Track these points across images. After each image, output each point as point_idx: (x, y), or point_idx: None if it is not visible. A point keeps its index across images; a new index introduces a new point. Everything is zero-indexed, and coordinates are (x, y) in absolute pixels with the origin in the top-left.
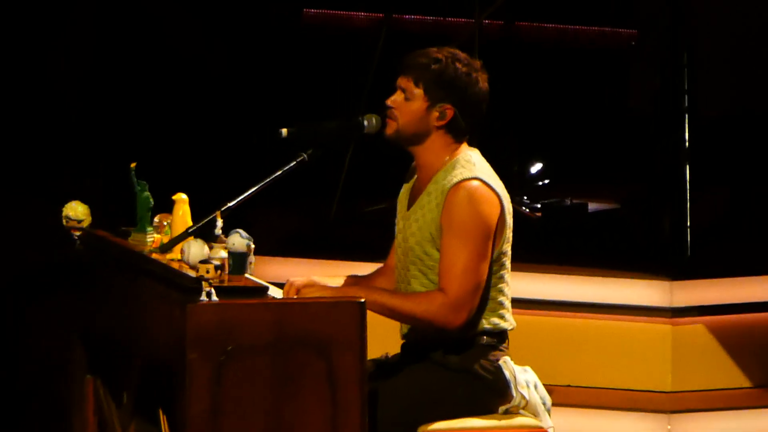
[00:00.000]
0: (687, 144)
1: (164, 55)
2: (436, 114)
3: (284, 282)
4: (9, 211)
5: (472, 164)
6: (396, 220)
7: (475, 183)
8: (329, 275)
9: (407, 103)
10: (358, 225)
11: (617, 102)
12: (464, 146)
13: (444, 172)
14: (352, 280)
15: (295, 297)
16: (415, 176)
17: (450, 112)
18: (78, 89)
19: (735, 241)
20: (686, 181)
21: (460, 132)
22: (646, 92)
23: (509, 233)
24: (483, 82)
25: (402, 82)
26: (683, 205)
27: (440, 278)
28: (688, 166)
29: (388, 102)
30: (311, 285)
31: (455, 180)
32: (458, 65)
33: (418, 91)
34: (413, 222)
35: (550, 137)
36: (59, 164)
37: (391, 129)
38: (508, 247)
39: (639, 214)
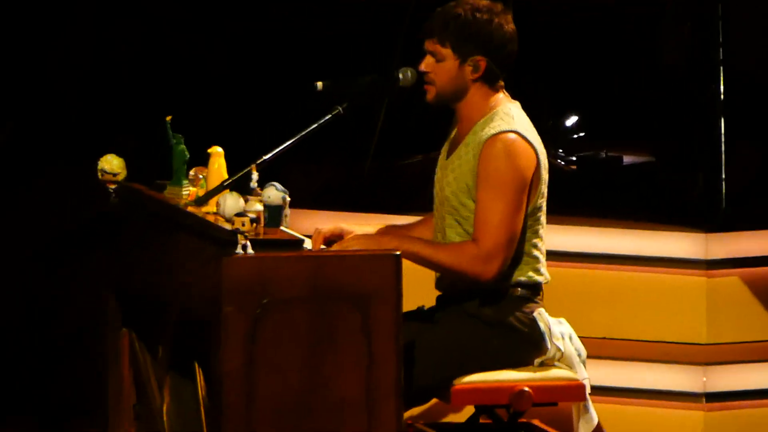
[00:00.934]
0: (722, 97)
1: (201, 8)
2: (469, 68)
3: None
4: (45, 166)
5: (511, 117)
6: (436, 170)
7: (512, 136)
8: (358, 225)
9: (439, 65)
10: (392, 178)
11: (651, 55)
12: (505, 98)
13: (483, 123)
14: (386, 231)
15: (330, 248)
16: (457, 126)
17: (483, 63)
18: (115, 43)
19: None
20: (721, 134)
21: (496, 79)
22: (679, 45)
23: (545, 188)
24: (508, 24)
25: (429, 45)
26: (718, 158)
27: (474, 229)
28: (723, 120)
29: (421, 67)
30: (338, 232)
31: (492, 132)
32: (478, 15)
33: (447, 51)
34: (450, 172)
35: (585, 91)
36: (95, 118)
37: (431, 95)
38: (543, 202)
39: (674, 166)
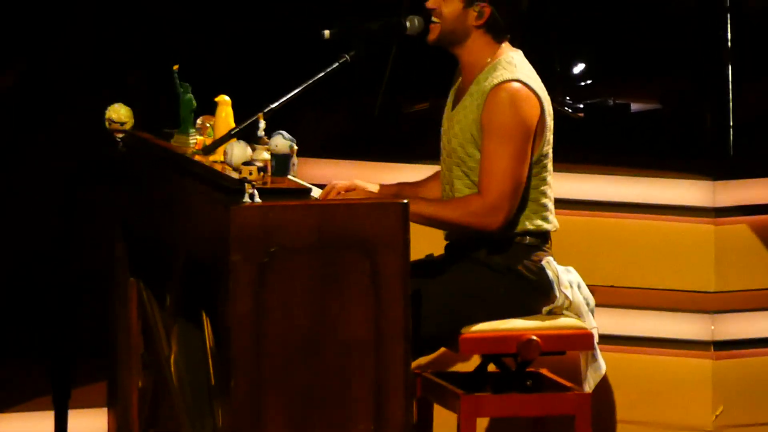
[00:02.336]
0: (729, 42)
1: None
2: (473, 13)
3: (327, 184)
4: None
5: (514, 66)
6: (442, 121)
7: (516, 84)
8: (372, 178)
9: (445, 4)
10: (401, 125)
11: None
12: (507, 47)
13: (486, 73)
14: (394, 189)
15: (338, 198)
16: (460, 78)
17: (487, 10)
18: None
19: None
20: (728, 79)
21: (499, 30)
22: None
23: (550, 135)
24: None
25: None
26: (725, 104)
27: (479, 180)
28: (730, 65)
29: (428, 5)
30: (353, 187)
31: (496, 81)
32: None
33: None
34: (456, 123)
35: (592, 37)
36: (102, 66)
37: (434, 34)
38: (549, 150)
39: (681, 113)
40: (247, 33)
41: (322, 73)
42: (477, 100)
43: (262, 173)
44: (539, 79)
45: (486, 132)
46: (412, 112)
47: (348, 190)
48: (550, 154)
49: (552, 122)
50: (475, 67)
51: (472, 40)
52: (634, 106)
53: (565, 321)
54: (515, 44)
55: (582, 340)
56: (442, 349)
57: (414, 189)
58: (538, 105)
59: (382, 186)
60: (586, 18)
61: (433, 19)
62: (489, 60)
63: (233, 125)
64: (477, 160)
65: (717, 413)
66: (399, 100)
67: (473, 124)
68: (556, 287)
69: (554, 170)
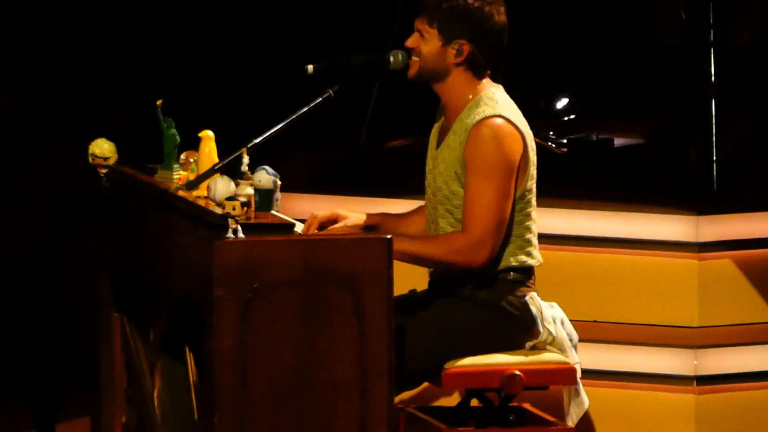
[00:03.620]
0: (713, 78)
1: None
2: (452, 51)
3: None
4: (37, 147)
5: (495, 101)
6: (426, 160)
7: (498, 120)
8: (353, 211)
9: (424, 43)
10: (385, 161)
11: (643, 35)
12: (488, 83)
13: (468, 110)
14: (378, 219)
15: (320, 232)
16: (444, 115)
17: (466, 48)
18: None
19: (762, 174)
20: (712, 114)
21: (480, 68)
22: (671, 24)
23: (533, 170)
24: (499, 14)
25: (418, 23)
26: (709, 139)
27: (463, 217)
28: (714, 101)
29: (407, 44)
30: (334, 217)
31: (478, 117)
32: (470, 1)
33: (433, 31)
34: (440, 161)
35: (576, 71)
36: (87, 100)
37: (413, 70)
38: (532, 184)
39: (665, 148)
40: (230, 68)
41: (306, 108)
42: (460, 137)
43: (245, 208)
44: (521, 115)
45: (469, 168)
46: (395, 147)
47: (329, 219)
48: (534, 189)
49: (535, 157)
50: (457, 104)
51: (453, 78)
52: (618, 141)
53: (549, 356)
54: (497, 79)
55: (565, 375)
56: (426, 384)
57: (397, 221)
58: (520, 140)
59: (367, 216)
60: (570, 52)
61: (413, 55)
62: (470, 96)
63: (217, 160)
64: (462, 198)
65: None
66: (383, 135)
67: (457, 162)
68: (539, 323)
69: (538, 205)
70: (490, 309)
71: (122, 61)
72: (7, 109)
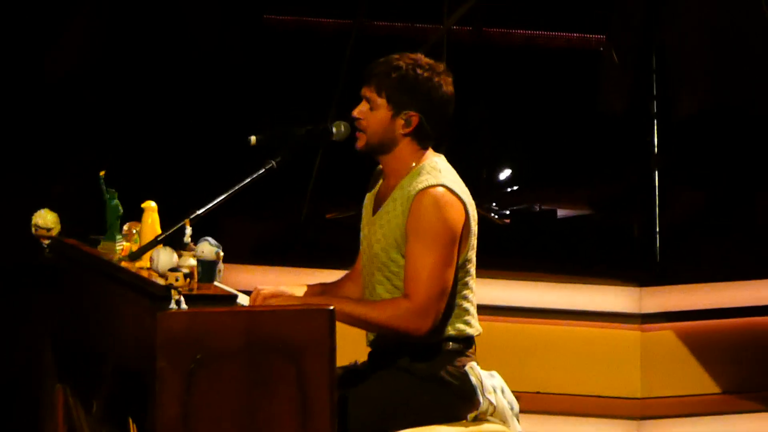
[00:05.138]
0: (656, 149)
1: (130, 63)
2: (401, 122)
3: (252, 290)
4: None
5: (438, 170)
6: (361, 226)
7: (441, 189)
8: (298, 283)
9: (372, 113)
10: (326, 232)
11: (587, 106)
12: (430, 152)
13: (410, 178)
14: (319, 288)
15: (265, 304)
16: (380, 182)
17: (415, 119)
18: (51, 96)
19: (704, 246)
20: (656, 186)
21: (426, 137)
22: (615, 96)
23: (474, 240)
24: (447, 85)
25: (366, 92)
26: (652, 211)
27: (405, 284)
28: (657, 172)
29: (354, 113)
30: (278, 294)
31: (420, 186)
32: (419, 71)
33: (382, 101)
34: (378, 228)
35: (520, 142)
36: (29, 170)
37: (361, 142)
38: (473, 254)
39: (609, 219)
40: (173, 139)
41: (249, 179)
42: (402, 205)
43: (188, 279)
44: (463, 184)
45: (411, 236)
46: (337, 218)
47: (273, 295)
48: (474, 259)
49: (476, 227)
50: (399, 172)
51: (400, 148)
52: (561, 212)
53: (490, 427)
54: (439, 149)
55: None
56: None
57: (335, 290)
58: (462, 209)
59: (308, 287)
60: (512, 123)
61: (358, 126)
62: (413, 165)
63: (159, 231)
64: (400, 265)
65: None
66: (324, 206)
67: (397, 229)
68: (479, 393)
69: (482, 276)
70: (430, 380)
71: (65, 132)
72: None
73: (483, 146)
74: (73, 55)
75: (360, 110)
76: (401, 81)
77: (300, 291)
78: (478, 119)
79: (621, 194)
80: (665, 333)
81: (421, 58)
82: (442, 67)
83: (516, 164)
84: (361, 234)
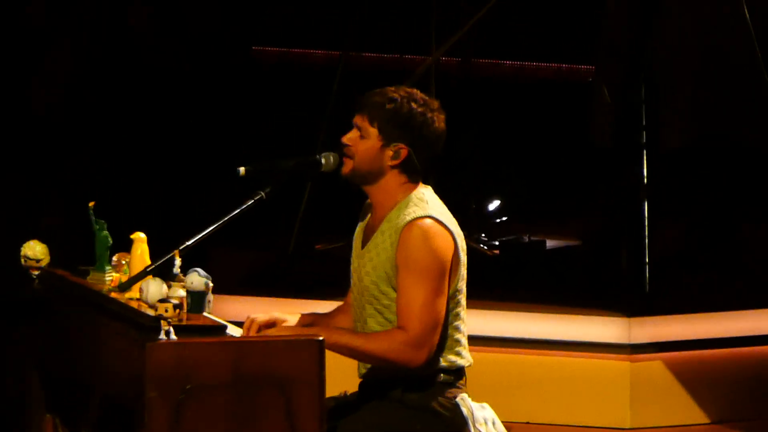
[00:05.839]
0: (645, 180)
1: (120, 94)
2: (390, 153)
3: (242, 320)
4: None
5: (425, 202)
6: (351, 259)
7: (429, 221)
8: (289, 313)
9: (362, 141)
10: (316, 263)
11: (575, 137)
12: (418, 183)
13: (397, 210)
14: (310, 319)
15: (255, 335)
16: (369, 215)
17: (404, 152)
18: (38, 127)
19: (693, 276)
20: (644, 216)
21: (414, 171)
22: (604, 127)
23: (464, 270)
24: (439, 122)
25: (358, 119)
26: (641, 241)
27: (399, 317)
28: (646, 202)
29: (344, 139)
30: (272, 321)
31: (408, 218)
32: (413, 105)
33: (373, 130)
34: (368, 261)
35: (508, 174)
36: (18, 202)
37: (347, 168)
38: (462, 285)
39: (597, 250)
40: (162, 170)
41: (238, 210)
42: (390, 238)
43: (177, 310)
44: (451, 215)
45: (402, 269)
46: (326, 250)
47: (267, 323)
48: (464, 289)
49: (465, 257)
50: (386, 204)
51: (386, 180)
52: (550, 243)
53: None
54: (427, 180)
55: None
56: None
57: (329, 321)
58: (451, 240)
59: (301, 315)
60: (500, 155)
61: (346, 153)
62: (400, 197)
63: (149, 262)
64: (391, 298)
65: None
66: (313, 237)
67: (387, 262)
68: (470, 424)
69: (470, 307)
70: (421, 411)
71: (53, 163)
72: None
73: (472, 177)
74: (59, 85)
75: (350, 137)
76: (395, 113)
77: (293, 319)
78: (468, 150)
79: (610, 226)
80: (654, 363)
81: (417, 93)
82: (436, 104)
83: (505, 195)
84: (351, 267)
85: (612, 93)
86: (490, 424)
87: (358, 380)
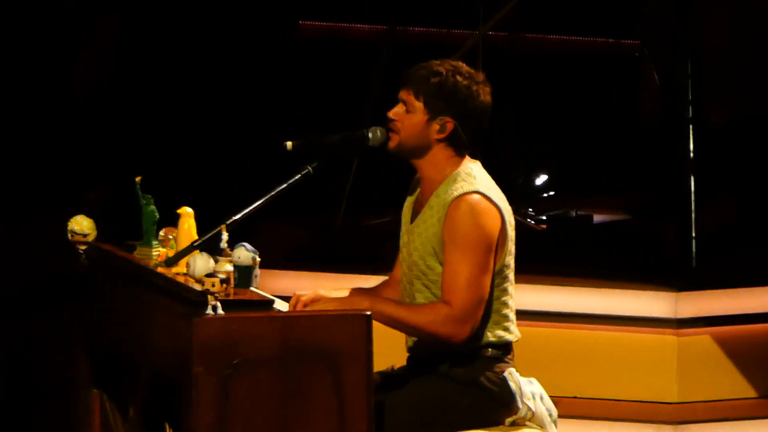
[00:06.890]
0: (692, 154)
1: (167, 69)
2: (436, 127)
3: (290, 295)
4: (16, 224)
5: (473, 177)
6: (401, 234)
7: (476, 197)
8: (335, 288)
9: (408, 116)
10: (363, 238)
11: (623, 112)
12: (466, 158)
13: (445, 185)
14: (357, 291)
15: (302, 310)
16: (418, 189)
17: (450, 125)
18: (84, 103)
19: (740, 251)
20: (691, 191)
21: (461, 145)
22: (650, 102)
23: (511, 246)
24: (485, 95)
25: (403, 94)
26: (688, 216)
27: (443, 292)
28: (693, 177)
29: (390, 114)
30: (318, 298)
31: (456, 194)
32: (459, 78)
33: (419, 104)
34: (416, 236)
35: (556, 148)
36: (66, 177)
37: (393, 142)
38: (511, 260)
39: (644, 225)
40: (209, 144)
41: (285, 185)
42: (437, 213)
43: (224, 285)
44: (499, 190)
45: (448, 244)
46: (373, 225)
47: (313, 300)
48: (512, 265)
49: (513, 233)
50: (434, 178)
51: (433, 153)
52: (597, 218)
53: None
54: (475, 155)
55: None
56: None
57: (374, 293)
58: (498, 216)
59: (350, 291)
60: (548, 130)
61: (392, 128)
62: (448, 172)
63: (196, 237)
64: (438, 273)
65: None
66: (360, 212)
67: (434, 237)
68: (518, 399)
69: (517, 281)
70: (468, 386)
71: (100, 139)
72: None
73: (519, 152)
74: (103, 60)
75: (396, 111)
76: (440, 87)
77: (341, 295)
78: (514, 125)
79: (657, 201)
80: (701, 338)
81: (462, 66)
82: (481, 76)
83: (552, 170)
84: (401, 242)
85: (658, 69)
86: (537, 398)
87: (406, 354)
